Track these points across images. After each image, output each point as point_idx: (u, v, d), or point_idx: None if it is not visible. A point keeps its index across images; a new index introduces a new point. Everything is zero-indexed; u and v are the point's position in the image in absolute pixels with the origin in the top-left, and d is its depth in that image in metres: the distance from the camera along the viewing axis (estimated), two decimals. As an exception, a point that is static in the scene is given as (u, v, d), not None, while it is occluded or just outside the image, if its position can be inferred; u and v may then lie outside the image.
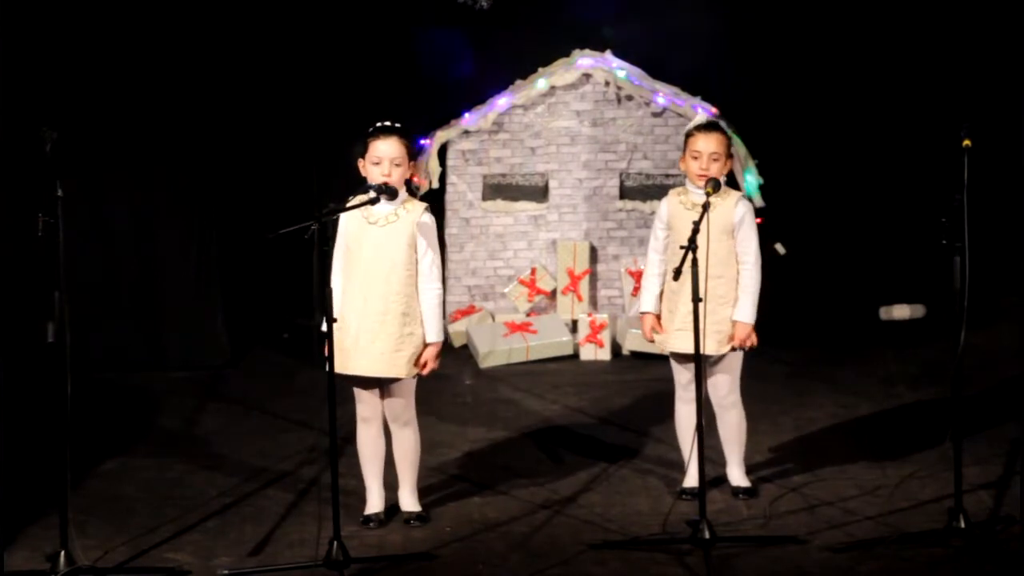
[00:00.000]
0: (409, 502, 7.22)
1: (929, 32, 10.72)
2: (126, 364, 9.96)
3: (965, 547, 6.63)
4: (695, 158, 7.25)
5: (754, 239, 7.30)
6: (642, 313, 7.45)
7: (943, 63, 10.69)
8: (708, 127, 7.31)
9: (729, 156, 7.30)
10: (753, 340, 7.31)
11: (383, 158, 6.96)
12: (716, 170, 7.21)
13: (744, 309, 7.27)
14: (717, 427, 7.46)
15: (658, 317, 7.40)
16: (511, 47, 10.61)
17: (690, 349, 6.97)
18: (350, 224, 7.03)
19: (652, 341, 7.46)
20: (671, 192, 7.42)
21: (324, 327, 6.67)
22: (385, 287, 6.98)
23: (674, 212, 7.30)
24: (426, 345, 7.05)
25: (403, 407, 7.12)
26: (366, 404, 7.13)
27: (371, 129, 7.02)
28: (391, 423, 7.17)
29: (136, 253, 10.15)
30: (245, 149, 10.45)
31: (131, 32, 9.97)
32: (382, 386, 7.10)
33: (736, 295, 7.29)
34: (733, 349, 7.30)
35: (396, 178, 6.97)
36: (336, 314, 6.67)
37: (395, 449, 7.22)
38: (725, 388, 7.38)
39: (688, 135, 7.32)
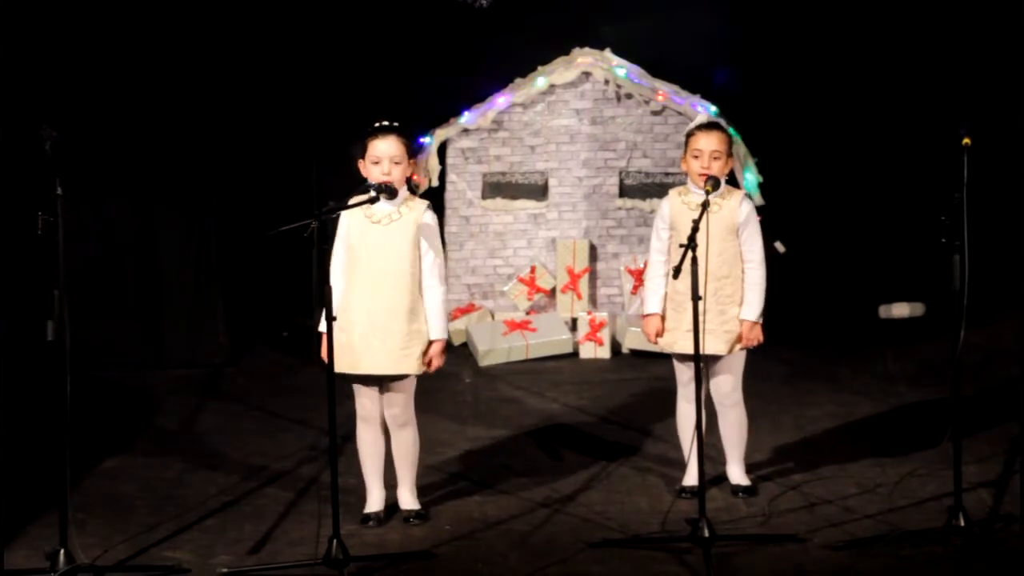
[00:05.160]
0: (408, 500, 7.22)
1: (929, 31, 10.72)
2: (126, 362, 9.95)
3: (964, 545, 6.63)
4: (696, 157, 7.25)
5: (759, 237, 7.32)
6: (647, 315, 7.43)
7: (943, 62, 10.69)
8: (709, 126, 7.32)
9: (730, 155, 7.30)
10: (760, 338, 7.33)
11: (382, 157, 6.97)
12: (718, 168, 7.21)
13: (752, 307, 7.29)
14: (718, 425, 7.46)
15: (663, 318, 7.40)
16: (511, 46, 10.61)
17: (702, 350, 7.07)
18: (352, 224, 7.03)
19: (653, 341, 7.46)
20: (671, 192, 7.42)
21: (323, 327, 6.67)
22: (392, 285, 6.98)
23: (677, 211, 7.30)
24: (430, 342, 7.07)
25: (403, 406, 7.12)
26: (367, 403, 7.13)
27: (369, 129, 7.03)
28: (390, 422, 7.17)
29: (136, 252, 10.14)
30: (245, 147, 10.45)
31: (131, 31, 9.96)
32: (383, 384, 7.11)
33: (742, 294, 7.30)
34: (741, 348, 7.32)
35: (396, 176, 6.98)
36: (335, 313, 6.67)
37: (394, 448, 7.22)
38: (728, 386, 7.38)
39: (689, 135, 7.33)
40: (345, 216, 6.97)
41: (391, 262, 6.99)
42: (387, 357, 7.00)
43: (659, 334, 7.38)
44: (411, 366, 7.03)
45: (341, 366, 6.88)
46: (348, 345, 6.96)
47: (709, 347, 7.22)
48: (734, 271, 7.29)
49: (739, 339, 7.29)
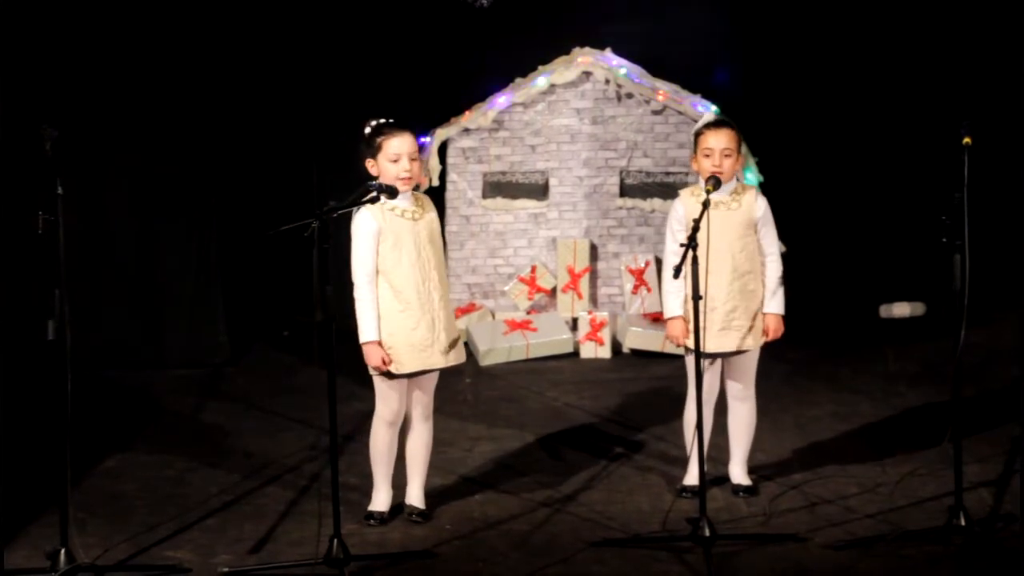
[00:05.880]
0: (417, 498, 7.22)
1: (929, 30, 10.72)
2: (126, 362, 9.96)
3: (965, 545, 6.64)
4: (707, 156, 7.21)
5: (775, 231, 7.34)
6: (671, 318, 7.35)
7: (943, 61, 10.69)
8: (718, 124, 7.30)
9: (739, 152, 7.30)
10: (782, 331, 7.35)
11: (402, 154, 6.94)
12: (729, 166, 7.20)
13: (780, 301, 7.32)
14: (727, 423, 7.45)
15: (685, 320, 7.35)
16: (511, 45, 10.61)
17: (734, 347, 7.19)
18: (386, 222, 6.96)
19: (681, 345, 7.38)
20: (683, 192, 7.38)
21: (370, 335, 6.85)
22: (439, 278, 7.07)
23: (692, 211, 7.18)
24: None
25: (430, 400, 7.19)
26: (396, 406, 7.10)
27: (379, 127, 6.98)
28: (417, 417, 7.18)
29: (136, 252, 10.14)
30: (245, 147, 10.45)
31: (131, 31, 9.97)
32: (414, 379, 7.11)
33: (763, 289, 7.32)
34: (767, 341, 7.35)
35: (415, 172, 6.99)
36: (383, 316, 6.87)
37: (413, 443, 7.21)
38: (746, 380, 7.39)
39: (698, 134, 7.29)
40: (373, 218, 6.93)
41: (434, 254, 7.04)
42: (456, 348, 7.11)
43: (686, 336, 7.32)
44: (463, 352, 7.18)
45: (412, 365, 6.95)
46: (414, 343, 6.98)
47: (740, 344, 7.23)
48: (755, 266, 7.31)
49: (765, 333, 7.30)
